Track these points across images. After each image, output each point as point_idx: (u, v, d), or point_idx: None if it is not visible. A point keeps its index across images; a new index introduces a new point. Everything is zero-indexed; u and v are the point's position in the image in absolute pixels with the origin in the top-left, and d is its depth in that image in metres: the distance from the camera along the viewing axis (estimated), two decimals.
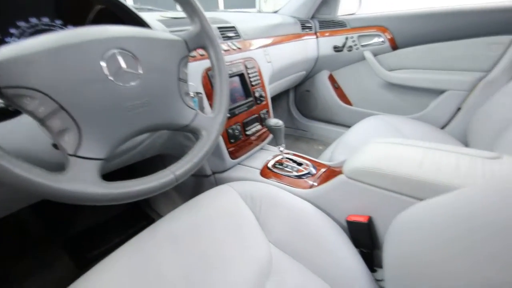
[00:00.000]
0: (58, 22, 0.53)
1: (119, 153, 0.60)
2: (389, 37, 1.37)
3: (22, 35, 0.49)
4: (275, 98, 1.81)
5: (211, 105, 0.74)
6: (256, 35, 1.08)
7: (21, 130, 0.42)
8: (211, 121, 0.54)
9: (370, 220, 0.56)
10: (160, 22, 0.73)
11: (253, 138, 0.90)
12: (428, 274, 0.29)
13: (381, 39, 1.39)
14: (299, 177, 0.75)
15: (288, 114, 1.90)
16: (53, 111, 0.34)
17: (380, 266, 0.51)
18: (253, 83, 0.92)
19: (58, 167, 0.35)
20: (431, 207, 0.35)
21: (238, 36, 0.97)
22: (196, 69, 0.74)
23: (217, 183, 0.86)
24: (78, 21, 0.56)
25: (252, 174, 0.81)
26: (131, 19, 0.59)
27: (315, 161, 0.83)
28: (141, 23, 0.60)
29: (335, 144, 1.03)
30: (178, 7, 0.53)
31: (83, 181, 0.36)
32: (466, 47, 1.16)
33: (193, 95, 0.64)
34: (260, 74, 0.96)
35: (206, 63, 0.76)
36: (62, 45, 0.35)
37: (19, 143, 0.43)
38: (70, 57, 0.36)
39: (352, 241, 0.57)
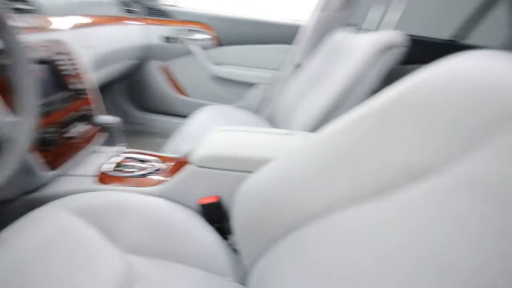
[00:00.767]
0: None
1: None
2: (214, 35, 1.56)
3: None
4: (105, 92, 1.59)
5: (8, 104, 0.54)
6: (62, 11, 0.87)
7: None
8: (16, 127, 0.40)
9: (220, 199, 0.64)
10: None
11: (77, 140, 0.74)
12: (265, 222, 0.43)
13: (208, 36, 1.56)
14: (145, 175, 0.72)
15: (122, 108, 1.73)
16: None
17: (230, 233, 0.59)
18: (68, 73, 0.74)
19: None
20: (258, 176, 0.48)
21: (34, 9, 0.74)
22: None
23: (33, 206, 0.65)
24: None
25: (86, 183, 0.68)
26: None
27: (160, 156, 0.81)
28: None
29: (177, 136, 1.06)
30: None
31: None
32: (268, 50, 1.55)
33: None
34: (76, 63, 0.79)
35: None
36: None
37: None
38: None
39: (208, 221, 0.63)
